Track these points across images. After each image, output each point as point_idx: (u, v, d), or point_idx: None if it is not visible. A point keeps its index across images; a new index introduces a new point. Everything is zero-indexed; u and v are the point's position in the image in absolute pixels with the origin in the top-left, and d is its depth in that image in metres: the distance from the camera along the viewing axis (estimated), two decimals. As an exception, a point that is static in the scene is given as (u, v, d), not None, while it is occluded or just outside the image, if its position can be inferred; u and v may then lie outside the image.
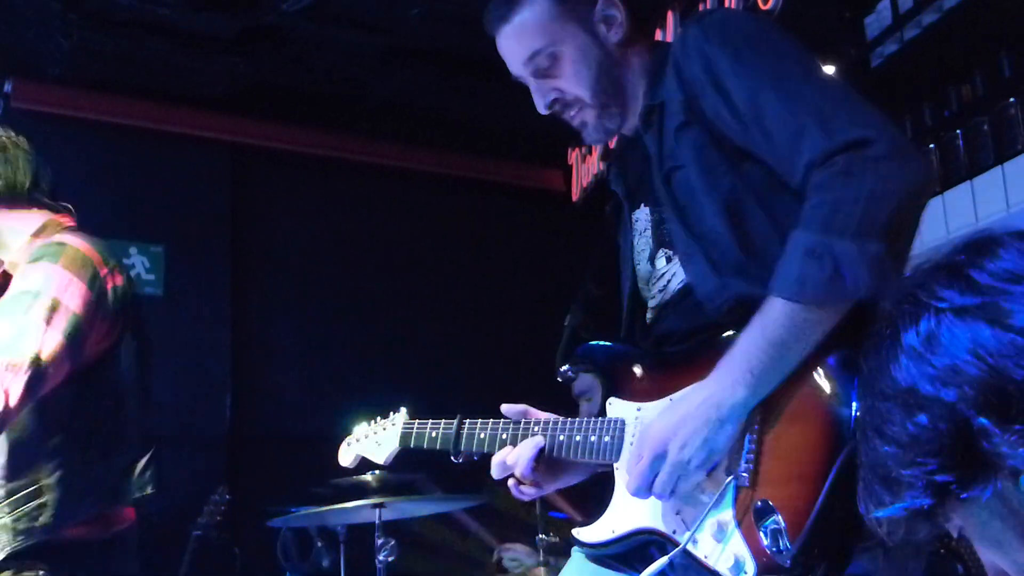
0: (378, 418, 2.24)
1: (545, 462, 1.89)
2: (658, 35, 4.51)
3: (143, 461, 2.37)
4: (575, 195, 5.92)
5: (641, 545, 1.74)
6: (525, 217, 6.09)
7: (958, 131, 3.47)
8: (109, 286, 2.29)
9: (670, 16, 4.58)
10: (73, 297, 2.19)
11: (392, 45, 5.10)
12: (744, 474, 1.57)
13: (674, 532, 1.65)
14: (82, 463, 2.26)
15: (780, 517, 1.46)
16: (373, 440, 2.19)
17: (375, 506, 3.34)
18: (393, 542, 3.33)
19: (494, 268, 5.90)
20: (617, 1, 1.90)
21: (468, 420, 1.99)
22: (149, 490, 2.37)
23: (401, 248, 5.75)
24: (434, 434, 2.03)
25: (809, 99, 1.61)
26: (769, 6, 4.05)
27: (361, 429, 2.27)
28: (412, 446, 2.11)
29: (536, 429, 1.88)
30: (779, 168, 1.66)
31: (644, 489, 1.63)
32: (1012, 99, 3.28)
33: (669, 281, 1.84)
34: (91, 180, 5.07)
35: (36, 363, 2.08)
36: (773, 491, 1.53)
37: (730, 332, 1.64)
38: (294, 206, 5.60)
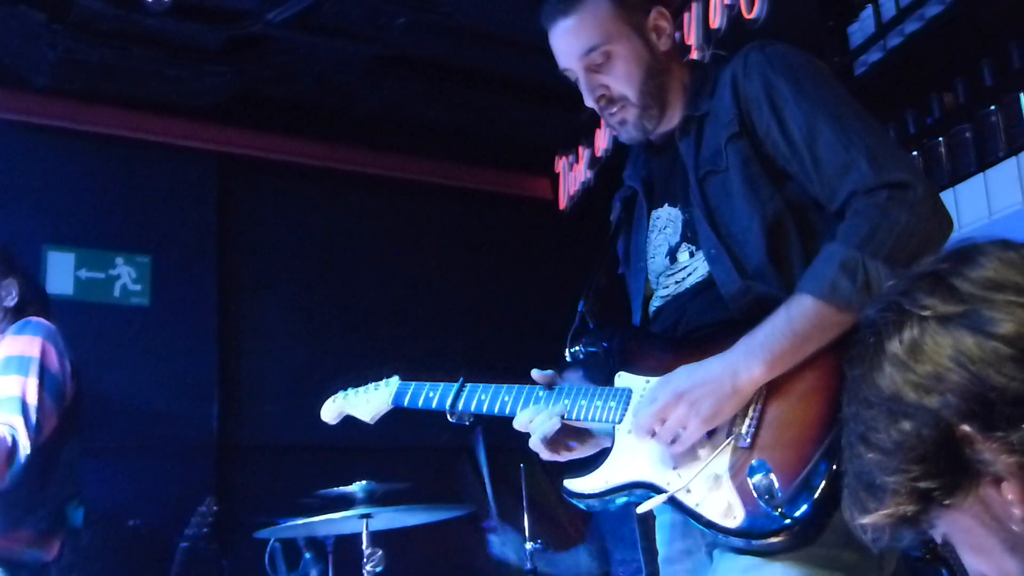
0: (370, 381, 2.24)
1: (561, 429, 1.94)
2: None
3: (75, 501, 2.87)
4: (562, 203, 5.93)
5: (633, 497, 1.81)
6: (512, 225, 6.09)
7: (940, 139, 3.49)
8: (68, 358, 2.88)
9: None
10: (53, 363, 2.79)
11: (378, 54, 5.10)
12: (746, 438, 1.69)
13: (668, 484, 1.73)
14: (18, 488, 2.69)
15: (772, 474, 1.54)
16: (363, 397, 2.22)
17: (362, 516, 3.33)
18: (380, 552, 3.32)
19: (482, 276, 5.90)
20: (667, 14, 2.05)
21: (470, 383, 2.04)
22: (78, 525, 2.86)
23: (389, 257, 5.75)
24: (431, 393, 2.07)
25: (861, 136, 1.80)
26: (753, 14, 4.08)
27: (350, 391, 2.28)
28: (406, 405, 2.13)
29: (540, 394, 1.94)
30: (818, 191, 1.83)
31: (648, 430, 1.74)
32: (993, 107, 3.31)
33: (689, 275, 1.95)
34: (77, 191, 5.06)
35: (38, 417, 2.63)
36: (769, 454, 1.65)
37: (745, 326, 1.75)
38: (281, 216, 5.59)
